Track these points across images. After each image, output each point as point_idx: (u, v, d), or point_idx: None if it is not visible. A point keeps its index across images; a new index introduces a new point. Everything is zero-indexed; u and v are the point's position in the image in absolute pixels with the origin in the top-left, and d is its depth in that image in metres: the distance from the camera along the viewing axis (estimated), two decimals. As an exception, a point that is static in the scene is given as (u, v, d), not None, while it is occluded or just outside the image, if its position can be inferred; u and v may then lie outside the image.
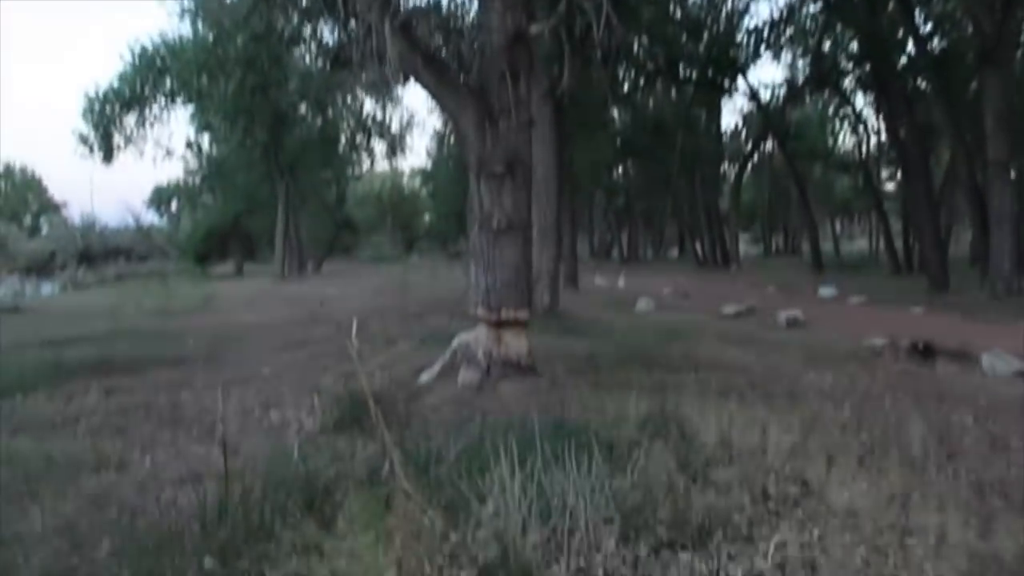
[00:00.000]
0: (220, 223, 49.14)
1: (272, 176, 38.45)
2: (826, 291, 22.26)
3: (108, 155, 35.09)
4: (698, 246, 47.66)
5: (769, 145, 49.89)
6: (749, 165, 51.35)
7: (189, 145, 44.76)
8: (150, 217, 63.62)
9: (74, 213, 69.40)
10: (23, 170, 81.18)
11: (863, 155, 41.06)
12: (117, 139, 34.93)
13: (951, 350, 10.77)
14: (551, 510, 4.05)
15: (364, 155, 46.89)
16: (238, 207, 46.56)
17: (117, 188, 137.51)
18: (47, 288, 44.53)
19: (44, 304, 27.40)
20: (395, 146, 46.21)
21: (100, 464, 6.01)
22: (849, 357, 10.87)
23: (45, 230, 68.65)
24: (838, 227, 61.65)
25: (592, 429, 6.44)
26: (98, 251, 62.84)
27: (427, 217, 74.63)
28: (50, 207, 77.90)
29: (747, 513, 4.43)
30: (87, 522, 4.69)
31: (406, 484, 3.40)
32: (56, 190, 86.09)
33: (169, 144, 40.07)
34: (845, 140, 47.24)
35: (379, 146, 45.11)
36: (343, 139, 42.12)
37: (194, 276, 43.05)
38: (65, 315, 20.93)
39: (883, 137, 38.55)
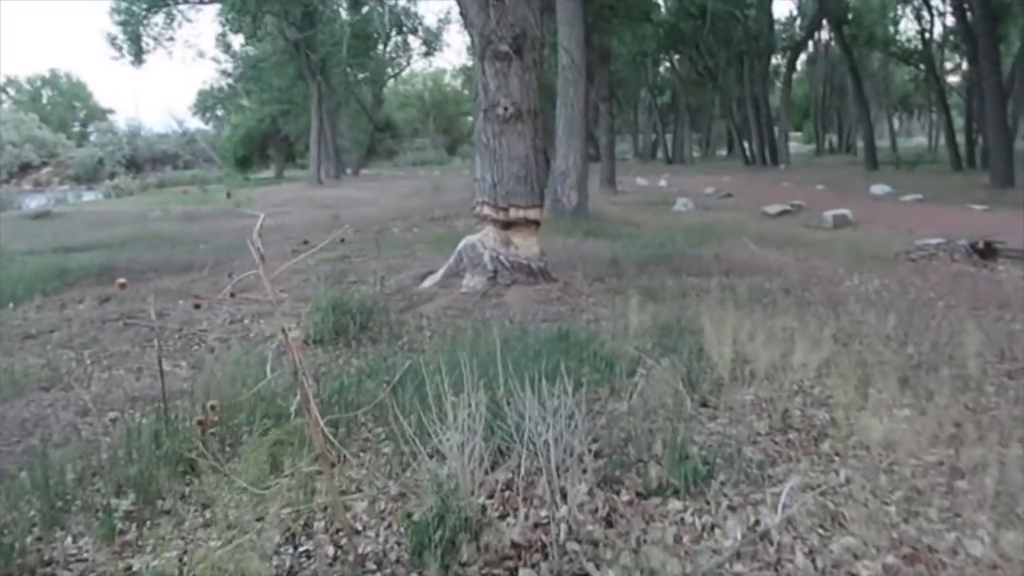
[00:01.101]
0: (257, 126, 48.46)
1: (304, 76, 37.38)
2: (879, 189, 20.91)
3: (138, 56, 34.34)
4: (747, 145, 45.71)
5: (824, 34, 47.10)
6: (802, 56, 48.69)
7: (218, 44, 43.67)
8: (196, 123, 63.25)
9: (121, 121, 69.12)
10: (68, 76, 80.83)
11: (926, 42, 38.37)
12: (146, 40, 34.12)
13: (1015, 251, 9.70)
14: (520, 445, 3.36)
15: (400, 53, 45.52)
16: (274, 109, 45.69)
17: (164, 95, 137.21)
18: (89, 195, 44.77)
19: (78, 210, 27.24)
20: (431, 43, 44.68)
21: (53, 381, 5.49)
22: (899, 259, 9.91)
23: (93, 137, 68.69)
24: (896, 123, 58.77)
25: (598, 341, 5.74)
26: (144, 158, 63.03)
27: (471, 118, 72.95)
28: (97, 114, 77.68)
29: (760, 447, 3.70)
30: (6, 451, 4.15)
31: (322, 426, 2.71)
32: (102, 98, 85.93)
33: (198, 45, 39.09)
34: (907, 27, 44.28)
35: (415, 43, 43.64)
36: (376, 36, 40.60)
37: (234, 181, 42.82)
38: (92, 221, 20.64)
39: (949, 22, 35.89)
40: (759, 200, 19.15)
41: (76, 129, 74.85)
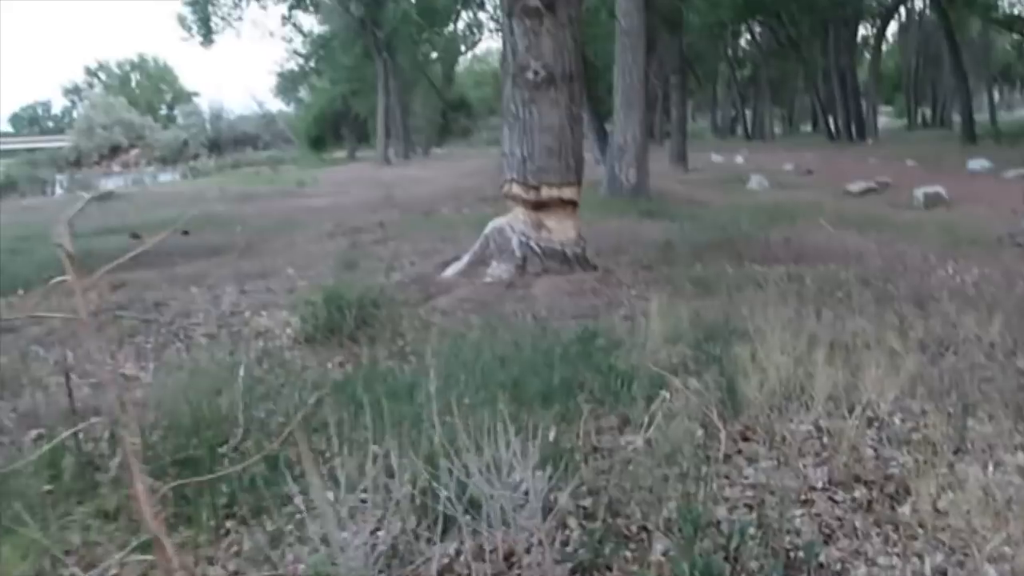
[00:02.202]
0: (329, 106, 48.43)
1: (371, 54, 36.87)
2: (977, 164, 19.07)
3: (207, 36, 34.41)
4: (831, 120, 43.33)
5: (918, 0, 44.26)
6: (893, 25, 45.87)
7: (284, 22, 43.42)
8: (278, 105, 63.90)
9: (204, 103, 70.28)
10: (156, 60, 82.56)
11: (1032, 7, 35.48)
12: (214, 20, 34.15)
13: None
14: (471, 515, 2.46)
15: (471, 30, 44.64)
16: (344, 88, 45.46)
17: (246, 77, 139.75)
18: (166, 176, 45.52)
19: (144, 191, 27.39)
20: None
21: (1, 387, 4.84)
22: (1002, 243, 8.58)
23: (179, 120, 70.06)
24: (996, 96, 55.08)
25: (627, 346, 4.78)
26: (226, 139, 64.01)
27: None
28: (182, 97, 79.18)
29: (814, 511, 2.71)
30: None
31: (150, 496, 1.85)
32: (188, 80, 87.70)
33: (266, 24, 39.06)
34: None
35: (485, 19, 42.62)
36: (444, 12, 39.76)
37: (308, 161, 42.85)
38: (150, 202, 20.48)
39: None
40: (842, 177, 17.65)
41: (163, 112, 76.58)
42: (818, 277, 6.72)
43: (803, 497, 2.81)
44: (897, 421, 3.48)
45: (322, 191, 22.04)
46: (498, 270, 6.72)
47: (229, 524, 2.83)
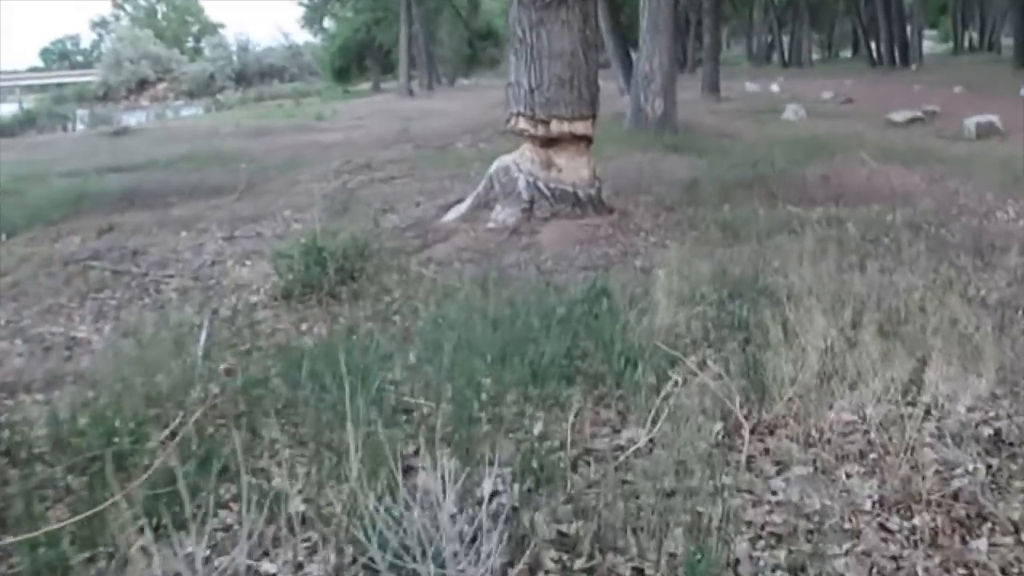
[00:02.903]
0: (353, 36, 47.18)
1: (392, -20, 35.61)
2: (1032, 90, 17.81)
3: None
4: (873, 45, 41.31)
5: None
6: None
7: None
8: (304, 36, 62.76)
9: (230, 36, 69.20)
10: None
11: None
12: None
13: None
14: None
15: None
16: (367, 18, 44.19)
17: (273, 8, 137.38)
18: (190, 110, 44.88)
19: (163, 126, 26.84)
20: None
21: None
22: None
23: (206, 52, 69.07)
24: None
25: (637, 309, 4.15)
26: (252, 72, 63.07)
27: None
28: (208, 29, 77.98)
29: (859, 547, 2.10)
30: None
31: None
32: (213, 12, 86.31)
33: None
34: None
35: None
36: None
37: (331, 94, 41.96)
38: (163, 138, 19.90)
39: None
40: (884, 106, 16.57)
41: (189, 44, 75.59)
42: (861, 221, 6.00)
43: (847, 524, 2.20)
44: (962, 410, 2.83)
45: (339, 125, 21.32)
46: (502, 214, 6.08)
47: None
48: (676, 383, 2.84)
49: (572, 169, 6.17)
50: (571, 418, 2.85)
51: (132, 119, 33.99)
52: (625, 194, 7.43)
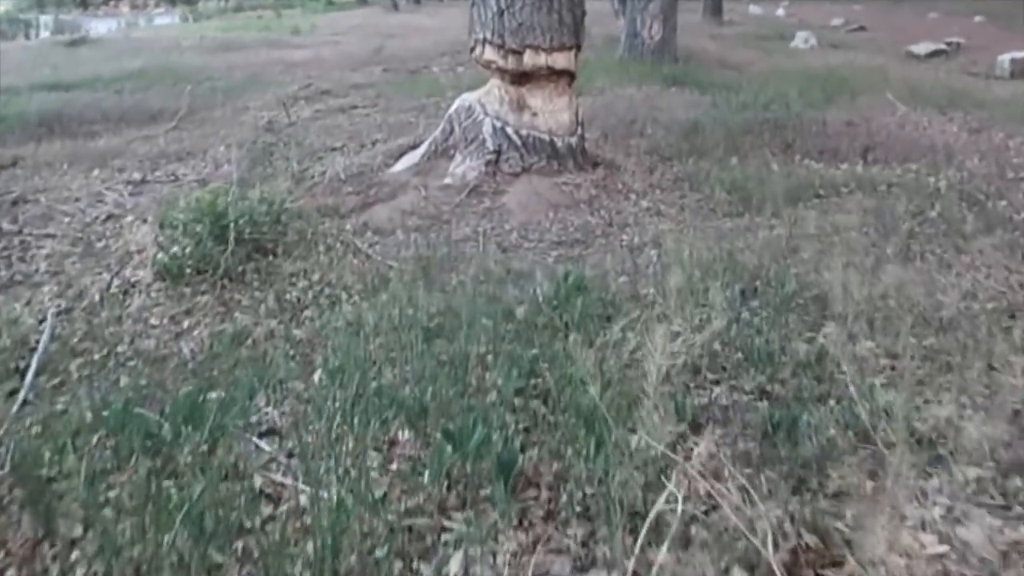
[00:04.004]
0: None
1: None
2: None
3: None
4: (884, -34, 39.32)
5: None
6: None
7: None
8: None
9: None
10: None
11: None
12: None
13: None
14: None
15: None
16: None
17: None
18: (163, 19, 42.60)
19: (125, 36, 25.07)
20: None
21: None
22: None
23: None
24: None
25: (620, 323, 3.11)
26: (242, -24, 60.13)
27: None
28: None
29: None
30: None
31: None
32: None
33: None
34: None
35: None
36: None
37: (315, 6, 39.79)
38: (120, 50, 18.35)
39: None
40: (901, 36, 15.25)
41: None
42: (899, 185, 4.93)
43: None
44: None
45: (313, 40, 19.76)
46: (462, 167, 4.95)
47: None
48: (674, 506, 1.80)
49: (549, 112, 5.02)
50: (507, 539, 1.85)
51: (102, 27, 32.07)
52: (614, 139, 6.30)
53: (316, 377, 2.90)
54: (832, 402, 2.56)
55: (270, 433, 2.55)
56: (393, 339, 3.09)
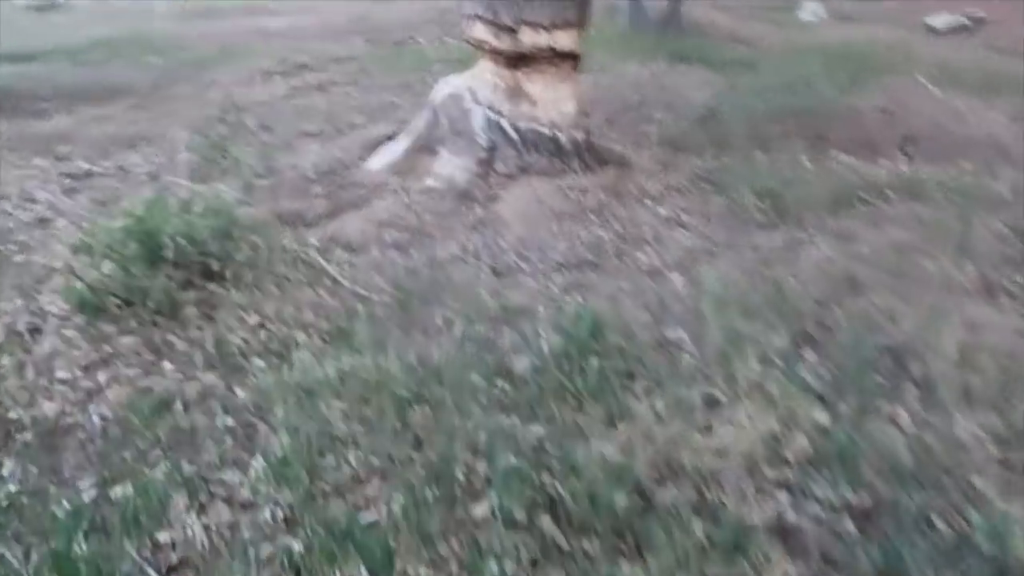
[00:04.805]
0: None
1: None
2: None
3: None
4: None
5: None
6: None
7: None
8: None
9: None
10: None
11: None
12: None
13: None
14: None
15: None
16: None
17: None
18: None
19: (97, 3, 24.01)
20: None
21: None
22: None
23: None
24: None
25: (646, 396, 2.47)
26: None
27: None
28: None
29: None
30: None
31: None
32: None
33: None
34: None
35: None
36: None
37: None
38: (93, 16, 17.39)
39: None
40: (914, 6, 14.42)
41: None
42: (954, 189, 4.25)
43: None
44: None
45: (293, 7, 18.83)
46: (449, 166, 4.24)
47: None
48: None
49: (551, 101, 4.30)
50: None
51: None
52: (621, 127, 5.59)
53: (257, 466, 2.24)
54: (941, 523, 1.92)
55: (181, 568, 1.88)
56: (357, 409, 2.42)
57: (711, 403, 2.42)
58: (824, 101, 6.07)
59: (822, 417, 2.32)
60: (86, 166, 5.46)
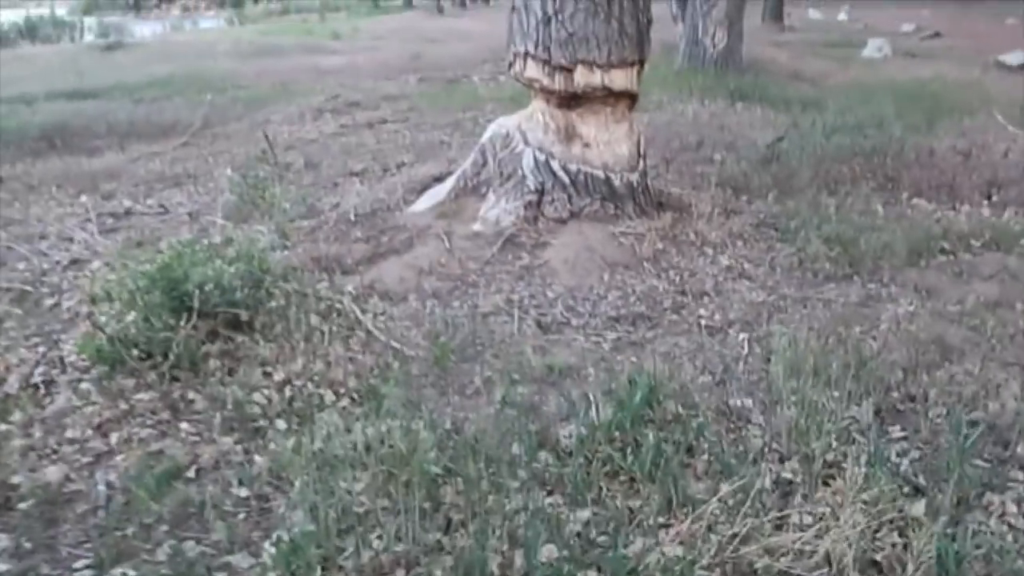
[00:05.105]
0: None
1: None
2: None
3: None
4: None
5: None
6: None
7: None
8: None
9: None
10: None
11: None
12: None
13: None
14: None
15: None
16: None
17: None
18: (208, 22, 42.47)
19: (163, 40, 24.69)
20: None
21: None
22: None
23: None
24: None
25: (704, 431, 2.17)
26: (292, -19, 60.10)
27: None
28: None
29: None
30: None
31: None
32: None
33: None
34: None
35: None
36: None
37: (362, 9, 39.29)
38: (156, 54, 17.79)
39: None
40: (981, 43, 14.00)
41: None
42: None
43: None
44: None
45: (351, 46, 19.06)
46: (496, 210, 4.01)
47: None
48: None
49: (604, 143, 4.06)
50: None
51: (147, 30, 31.82)
52: (678, 168, 5.33)
53: (269, 550, 1.99)
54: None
55: None
56: (383, 484, 2.17)
57: (784, 489, 2.12)
58: (895, 142, 5.72)
59: (916, 509, 1.99)
60: (128, 204, 5.38)
